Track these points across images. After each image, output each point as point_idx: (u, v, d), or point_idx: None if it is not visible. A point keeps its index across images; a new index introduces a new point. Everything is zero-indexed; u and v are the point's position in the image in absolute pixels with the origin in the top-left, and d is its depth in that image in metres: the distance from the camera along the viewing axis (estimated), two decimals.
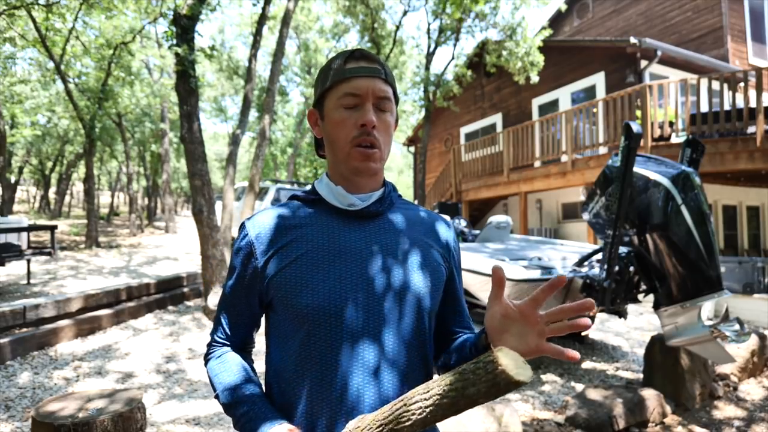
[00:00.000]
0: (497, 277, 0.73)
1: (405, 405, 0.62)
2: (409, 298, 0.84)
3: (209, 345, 0.93)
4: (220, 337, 0.92)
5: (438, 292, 0.90)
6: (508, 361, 0.55)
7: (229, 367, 0.87)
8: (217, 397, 0.85)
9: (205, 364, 0.92)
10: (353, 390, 0.79)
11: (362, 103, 0.84)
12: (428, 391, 0.61)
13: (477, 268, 3.84)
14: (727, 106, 6.52)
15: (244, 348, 0.94)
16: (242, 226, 0.90)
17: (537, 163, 9.65)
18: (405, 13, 11.53)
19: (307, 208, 0.91)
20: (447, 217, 5.39)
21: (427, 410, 0.60)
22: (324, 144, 0.93)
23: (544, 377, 4.05)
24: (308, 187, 0.99)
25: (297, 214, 0.89)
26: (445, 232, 0.96)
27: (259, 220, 0.89)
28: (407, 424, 0.61)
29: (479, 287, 3.88)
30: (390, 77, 0.87)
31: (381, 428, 0.63)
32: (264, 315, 0.92)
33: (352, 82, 0.83)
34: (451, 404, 0.58)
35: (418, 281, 0.86)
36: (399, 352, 0.82)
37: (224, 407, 0.84)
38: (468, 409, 0.59)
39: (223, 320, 0.92)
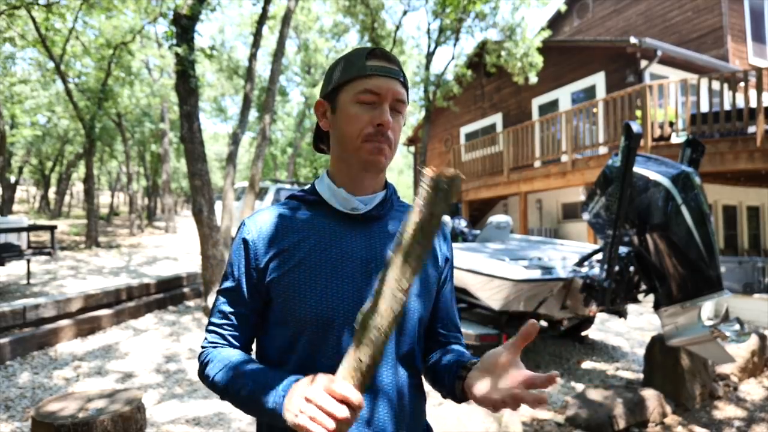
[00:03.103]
0: (529, 331, 0.69)
1: (402, 252, 0.64)
2: (406, 308, 0.85)
3: (201, 354, 0.87)
4: (215, 342, 0.86)
5: (431, 301, 0.91)
6: (436, 170, 0.62)
7: (227, 358, 0.82)
8: (223, 390, 0.79)
9: (201, 373, 0.85)
10: None
11: (380, 103, 0.83)
12: (412, 235, 0.65)
13: (477, 268, 3.83)
14: (727, 106, 6.52)
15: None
16: (242, 224, 0.88)
17: (537, 163, 9.65)
18: (405, 13, 11.52)
19: (308, 209, 0.89)
20: (446, 217, 5.38)
21: (417, 243, 0.64)
22: (329, 137, 0.91)
23: None
24: (308, 186, 0.95)
25: (297, 216, 0.87)
26: (441, 239, 0.97)
27: (260, 219, 0.87)
28: (409, 271, 0.64)
29: (479, 287, 3.88)
30: (406, 81, 0.87)
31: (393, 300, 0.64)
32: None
33: (372, 80, 0.82)
34: (430, 228, 0.64)
35: (415, 292, 0.86)
36: (395, 360, 0.84)
37: (231, 390, 0.78)
38: (439, 226, 0.64)
39: (219, 326, 0.87)
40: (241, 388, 0.77)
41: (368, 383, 0.65)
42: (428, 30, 11.43)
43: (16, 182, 20.12)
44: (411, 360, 0.87)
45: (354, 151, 0.84)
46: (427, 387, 0.96)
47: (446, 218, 5.33)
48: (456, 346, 0.96)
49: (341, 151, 0.87)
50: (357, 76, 0.83)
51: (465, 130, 13.93)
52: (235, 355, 0.83)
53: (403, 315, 0.85)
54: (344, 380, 0.63)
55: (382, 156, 0.83)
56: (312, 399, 0.63)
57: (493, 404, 0.72)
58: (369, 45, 12.59)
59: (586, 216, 3.79)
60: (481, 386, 0.74)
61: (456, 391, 0.83)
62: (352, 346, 0.64)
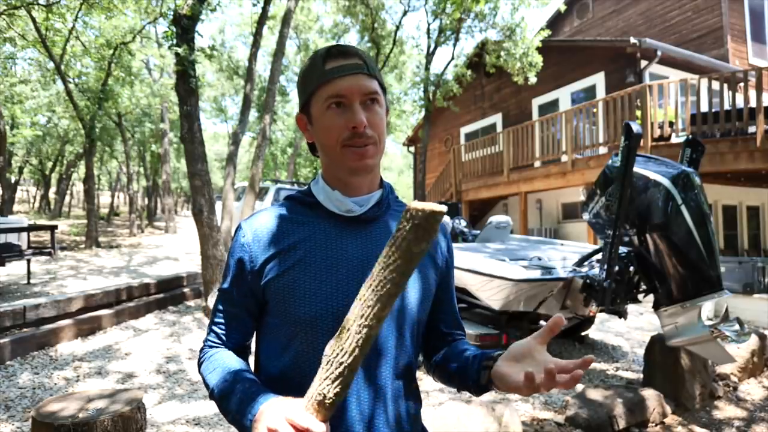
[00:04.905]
0: (556, 322, 0.72)
1: (371, 286, 0.61)
2: (402, 309, 0.85)
3: (201, 350, 0.91)
4: (213, 341, 0.89)
5: (429, 300, 0.91)
6: (418, 204, 0.58)
7: (220, 362, 0.84)
8: (211, 394, 0.82)
9: (199, 369, 0.89)
10: (350, 397, 0.80)
11: (349, 104, 0.80)
12: (384, 268, 0.60)
13: (477, 268, 3.84)
14: (727, 106, 6.52)
15: (239, 354, 0.91)
16: (239, 227, 0.88)
17: (537, 163, 9.65)
18: (405, 13, 11.54)
19: (304, 211, 0.89)
20: (446, 218, 5.38)
21: (388, 279, 0.60)
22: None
23: None
24: (304, 188, 0.95)
25: (294, 218, 0.88)
26: (440, 238, 0.96)
27: (257, 222, 0.87)
28: (378, 307, 0.60)
29: (479, 287, 3.88)
30: (373, 69, 0.83)
31: (364, 318, 0.61)
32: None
33: (334, 84, 0.80)
34: (405, 265, 0.59)
35: (412, 292, 0.86)
36: (391, 360, 0.84)
37: (218, 402, 0.80)
38: (416, 263, 0.60)
39: (217, 325, 0.89)
40: (223, 399, 0.79)
41: (332, 413, 0.64)
42: (428, 30, 11.43)
43: (16, 182, 20.14)
44: (408, 364, 0.88)
45: (338, 159, 0.83)
46: (424, 390, 0.96)
47: (446, 218, 5.33)
48: (464, 343, 0.97)
49: (327, 161, 0.87)
50: (318, 84, 0.81)
51: (465, 130, 13.92)
52: (229, 361, 0.84)
53: (399, 318, 0.85)
54: (308, 411, 0.63)
55: (366, 159, 0.82)
56: (274, 429, 0.63)
57: (525, 387, 0.71)
58: (369, 45, 12.59)
59: (586, 216, 3.79)
60: (512, 372, 0.75)
61: (481, 380, 0.83)
62: (317, 376, 0.63)
